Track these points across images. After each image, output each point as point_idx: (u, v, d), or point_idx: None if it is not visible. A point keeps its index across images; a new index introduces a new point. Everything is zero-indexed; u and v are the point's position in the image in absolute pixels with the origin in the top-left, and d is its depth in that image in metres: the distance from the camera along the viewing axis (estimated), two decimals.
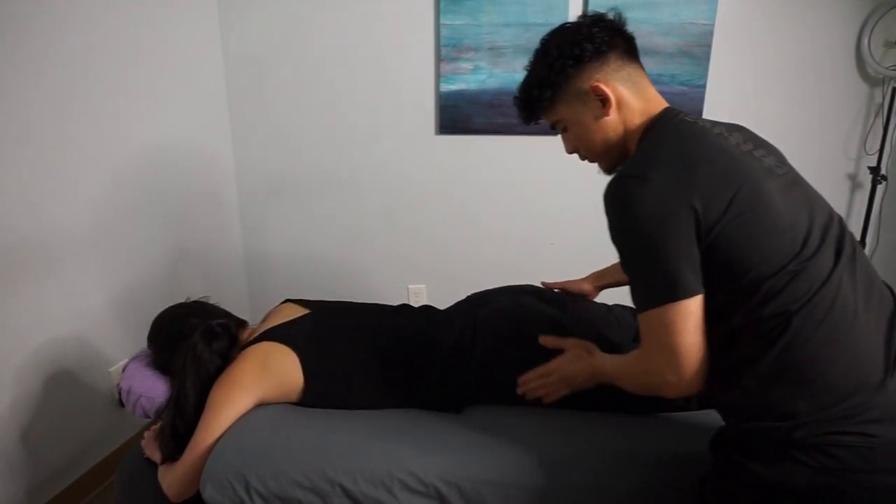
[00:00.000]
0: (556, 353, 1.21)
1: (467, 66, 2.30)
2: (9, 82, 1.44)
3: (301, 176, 2.48)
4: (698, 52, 2.24)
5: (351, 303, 1.45)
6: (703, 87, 2.29)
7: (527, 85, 1.07)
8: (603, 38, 0.98)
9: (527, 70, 1.07)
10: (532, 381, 1.17)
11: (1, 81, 1.42)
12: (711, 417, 1.15)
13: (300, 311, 1.36)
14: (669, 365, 0.87)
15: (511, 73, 2.30)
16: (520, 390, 1.18)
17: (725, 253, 0.84)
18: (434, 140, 2.41)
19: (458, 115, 2.36)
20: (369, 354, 1.26)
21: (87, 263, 1.71)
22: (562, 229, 2.52)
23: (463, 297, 1.48)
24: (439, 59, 2.29)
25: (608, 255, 2.73)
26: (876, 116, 2.39)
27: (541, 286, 1.49)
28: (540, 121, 1.11)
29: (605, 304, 1.46)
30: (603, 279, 1.50)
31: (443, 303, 1.50)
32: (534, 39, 2.39)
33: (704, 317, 0.86)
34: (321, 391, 1.23)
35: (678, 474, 1.04)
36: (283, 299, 1.46)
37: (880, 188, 2.41)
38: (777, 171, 0.92)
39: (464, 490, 1.03)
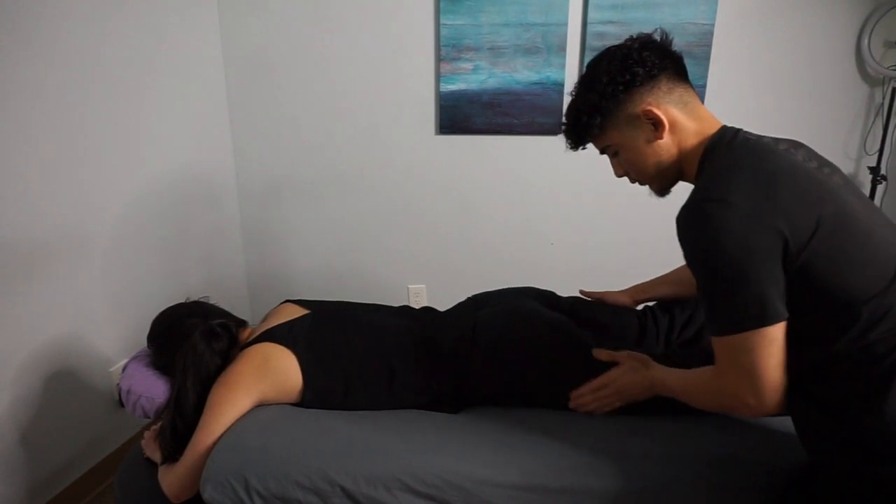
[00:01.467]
0: (556, 359, 1.21)
1: (467, 66, 2.29)
2: (9, 83, 1.43)
3: (301, 176, 2.48)
4: (698, 52, 2.25)
5: (350, 303, 1.45)
6: (704, 87, 2.29)
7: (575, 111, 1.05)
8: (654, 62, 0.97)
9: (572, 96, 1.06)
10: (585, 395, 1.15)
11: (2, 83, 1.42)
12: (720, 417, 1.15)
13: (300, 312, 1.36)
14: (750, 389, 0.87)
15: (511, 73, 2.30)
16: (571, 405, 1.17)
17: (819, 273, 0.82)
18: (434, 140, 2.41)
19: (458, 115, 2.36)
20: (368, 356, 1.26)
21: (86, 263, 1.71)
22: (562, 229, 2.52)
23: (463, 297, 1.48)
24: (439, 59, 2.29)
25: (607, 255, 2.73)
26: (876, 116, 2.39)
27: (539, 288, 1.48)
28: (587, 146, 1.09)
29: (613, 309, 1.45)
30: (644, 293, 1.45)
31: (443, 303, 1.50)
32: (534, 39, 2.42)
33: (798, 339, 0.85)
34: (320, 392, 1.22)
35: (683, 476, 1.04)
36: (282, 299, 1.46)
37: (880, 188, 2.40)
38: (849, 188, 0.91)
39: (465, 490, 1.02)
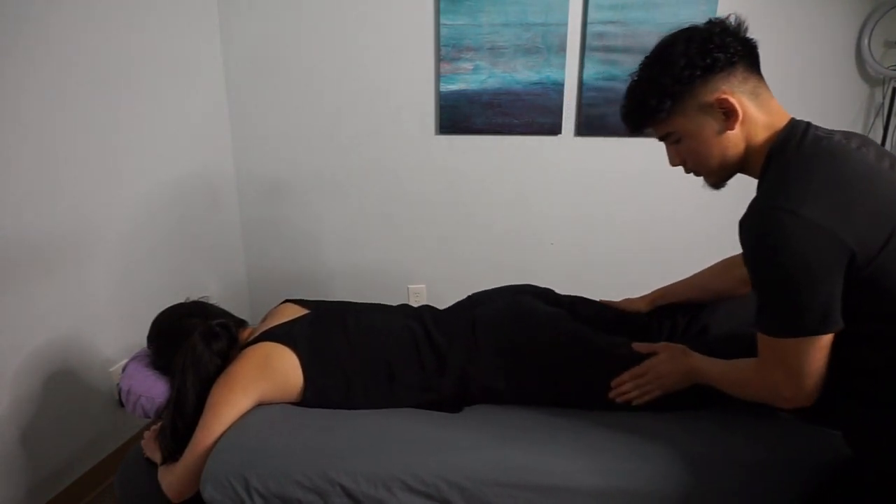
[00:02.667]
0: (555, 354, 1.21)
1: (467, 66, 2.29)
2: (8, 84, 1.43)
3: (301, 175, 2.48)
4: None
5: (350, 303, 1.45)
6: None
7: (642, 93, 0.98)
8: (735, 48, 0.92)
9: (635, 78, 1.00)
10: (625, 384, 1.16)
11: (1, 83, 1.42)
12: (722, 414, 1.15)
13: (300, 312, 1.36)
14: (789, 384, 0.90)
15: (511, 73, 2.30)
16: (612, 394, 1.17)
17: (887, 283, 0.83)
18: (434, 140, 2.41)
19: (458, 115, 2.35)
20: (369, 356, 1.26)
21: (86, 264, 1.71)
22: (562, 229, 2.52)
23: (463, 296, 1.48)
24: (439, 59, 2.29)
25: (607, 255, 2.72)
26: (876, 116, 2.39)
27: (537, 286, 1.48)
28: (647, 130, 1.03)
29: (610, 308, 1.45)
30: (663, 300, 1.42)
31: (443, 303, 1.50)
32: (534, 39, 2.41)
33: (861, 343, 0.86)
34: (320, 392, 1.22)
35: (680, 477, 1.04)
36: (282, 299, 1.46)
37: None
38: None
39: (465, 490, 1.02)
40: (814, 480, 1.03)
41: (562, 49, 2.27)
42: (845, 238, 0.81)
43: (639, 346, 1.20)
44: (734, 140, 0.95)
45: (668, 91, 0.95)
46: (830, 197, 0.83)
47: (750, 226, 0.87)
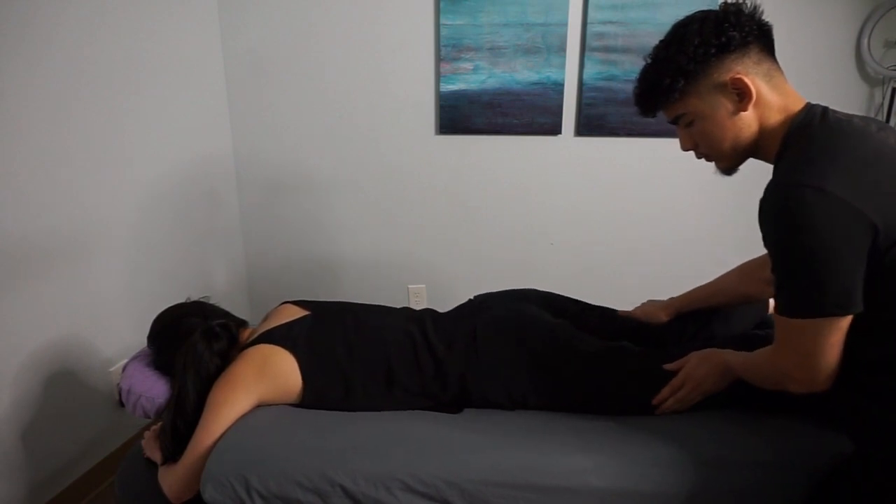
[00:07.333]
0: (557, 365, 1.20)
1: (467, 66, 2.29)
2: (7, 82, 1.43)
3: (301, 176, 2.48)
4: None
5: (350, 304, 1.45)
6: None
7: (655, 73, 0.97)
8: (750, 28, 0.92)
9: (650, 59, 0.99)
10: (667, 399, 1.15)
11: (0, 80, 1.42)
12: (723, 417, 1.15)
13: (299, 313, 1.36)
14: (801, 367, 0.88)
15: (511, 73, 2.30)
16: (657, 412, 1.16)
17: None
18: (434, 140, 2.41)
19: (458, 115, 2.35)
20: (368, 358, 1.25)
21: (86, 264, 1.71)
22: (562, 229, 2.52)
23: (463, 297, 1.48)
24: (439, 59, 2.29)
25: (607, 255, 2.71)
26: (875, 116, 2.39)
27: (542, 290, 1.48)
28: (658, 114, 1.02)
29: (621, 318, 1.44)
30: (686, 307, 1.38)
31: (443, 303, 1.50)
32: (534, 39, 2.41)
33: (871, 332, 0.85)
34: (319, 394, 1.22)
35: (690, 478, 1.03)
36: (282, 299, 1.46)
37: None
38: None
39: (465, 491, 1.02)
40: (824, 478, 1.02)
41: (562, 49, 2.27)
42: (871, 215, 0.79)
43: (669, 366, 1.17)
44: (747, 122, 0.94)
45: (683, 69, 0.94)
46: (855, 175, 0.82)
47: (772, 203, 0.85)
